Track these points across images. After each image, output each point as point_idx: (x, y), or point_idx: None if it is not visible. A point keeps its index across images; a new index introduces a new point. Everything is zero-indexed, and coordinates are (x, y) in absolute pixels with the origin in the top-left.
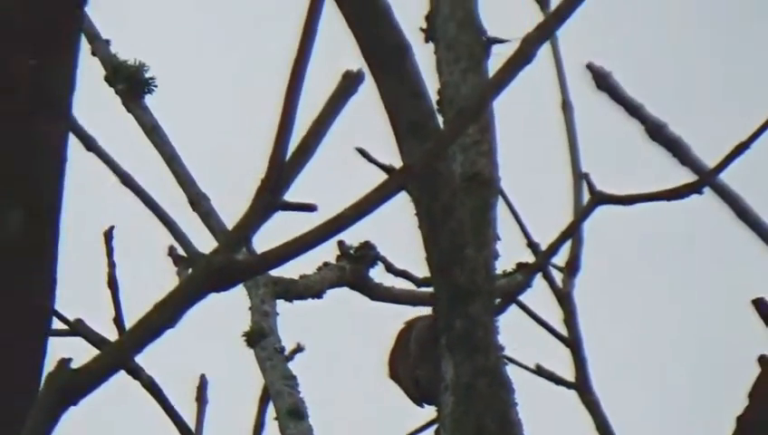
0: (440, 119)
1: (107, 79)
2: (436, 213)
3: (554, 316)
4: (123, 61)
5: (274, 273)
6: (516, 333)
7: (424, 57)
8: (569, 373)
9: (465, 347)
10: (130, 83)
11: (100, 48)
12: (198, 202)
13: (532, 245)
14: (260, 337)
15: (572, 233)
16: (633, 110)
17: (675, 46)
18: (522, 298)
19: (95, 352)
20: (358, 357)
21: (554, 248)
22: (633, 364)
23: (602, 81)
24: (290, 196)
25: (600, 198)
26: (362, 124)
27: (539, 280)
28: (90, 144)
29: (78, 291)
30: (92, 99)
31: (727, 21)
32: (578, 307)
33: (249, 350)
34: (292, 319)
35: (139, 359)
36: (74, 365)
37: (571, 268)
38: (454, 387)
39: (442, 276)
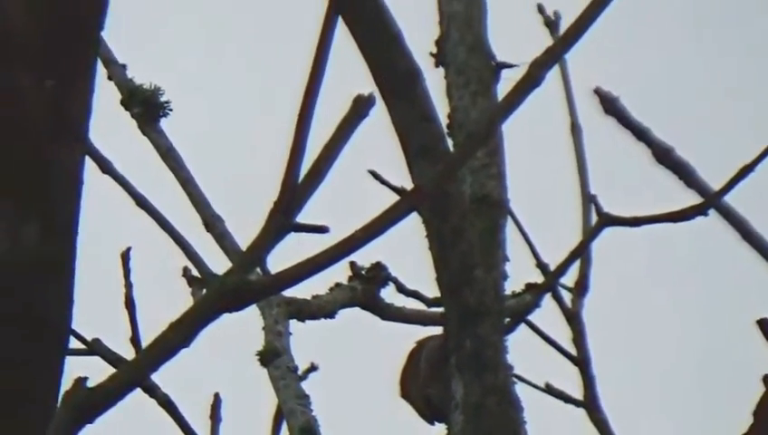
0: (450, 142)
1: (123, 103)
2: (446, 234)
3: (563, 336)
4: (139, 85)
5: (287, 293)
6: (525, 353)
7: (434, 81)
8: (578, 392)
9: (475, 366)
10: (146, 107)
11: (116, 72)
12: (213, 224)
13: (541, 265)
14: (273, 356)
15: (581, 253)
16: (640, 134)
17: (681, 71)
18: (531, 318)
19: (112, 371)
20: (370, 376)
21: (563, 269)
22: (641, 383)
23: (610, 105)
24: (302, 217)
25: (608, 220)
26: (374, 147)
27: (548, 300)
28: (106, 167)
29: (95, 311)
30: (108, 122)
31: (734, 46)
32: (586, 327)
33: (263, 369)
34: (304, 339)
35: (155, 377)
36: (91, 384)
37: (580, 288)
38: (464, 406)
39: (452, 297)
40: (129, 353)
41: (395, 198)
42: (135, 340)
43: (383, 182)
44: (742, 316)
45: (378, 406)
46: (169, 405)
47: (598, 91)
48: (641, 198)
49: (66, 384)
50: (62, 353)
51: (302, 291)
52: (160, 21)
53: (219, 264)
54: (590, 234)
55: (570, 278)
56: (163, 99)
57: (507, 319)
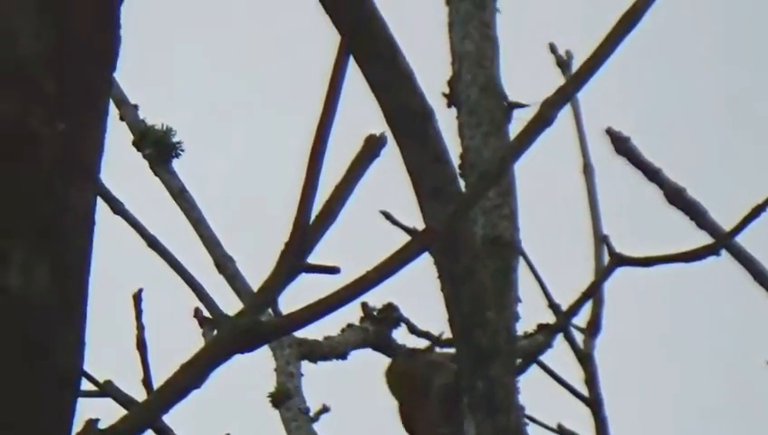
0: (462, 182)
1: (135, 143)
2: (458, 275)
3: (575, 376)
4: (151, 125)
5: (299, 334)
6: (538, 393)
7: (446, 121)
8: (590, 433)
9: (487, 407)
10: (158, 148)
11: (129, 113)
12: (224, 264)
13: (553, 305)
14: (285, 398)
15: (593, 294)
16: (652, 174)
17: (693, 112)
18: (543, 358)
19: (124, 412)
20: (382, 417)
21: (575, 309)
22: (654, 424)
23: (621, 145)
24: (314, 257)
25: (620, 260)
26: (386, 187)
27: (560, 340)
28: (117, 207)
29: (107, 352)
30: (120, 163)
31: (744, 87)
32: (599, 367)
33: (274, 410)
34: (316, 380)
35: (167, 419)
36: (103, 426)
37: (592, 329)
38: None
39: (464, 338)
40: (140, 395)
41: (407, 238)
42: (147, 381)
43: (395, 222)
44: (754, 356)
45: None
46: None
47: (609, 132)
48: (653, 238)
49: (78, 426)
50: (74, 395)
51: (314, 331)
52: (173, 62)
53: (231, 304)
54: (603, 274)
55: (582, 319)
56: (175, 139)
57: (519, 360)
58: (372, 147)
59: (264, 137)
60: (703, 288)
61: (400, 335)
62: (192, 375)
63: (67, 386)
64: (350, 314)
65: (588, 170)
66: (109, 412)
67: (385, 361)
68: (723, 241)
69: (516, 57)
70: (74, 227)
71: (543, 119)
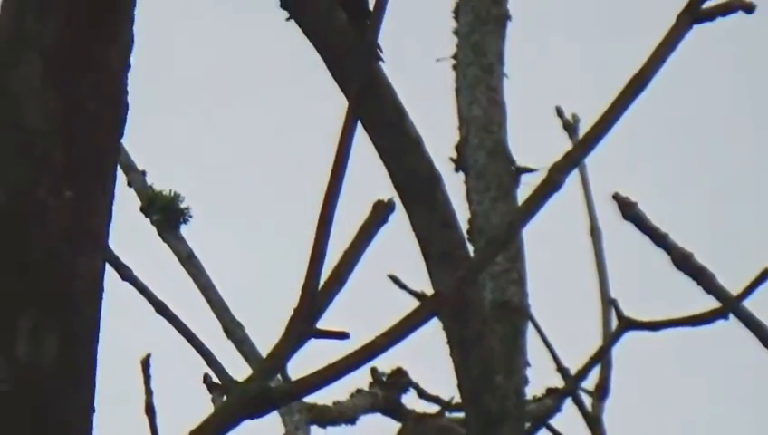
0: (470, 247)
1: (143, 209)
2: (467, 340)
3: None
4: (158, 191)
5: (308, 399)
6: None
7: (454, 186)
8: None
9: None
10: (166, 213)
11: (136, 179)
12: (233, 330)
13: (561, 369)
14: None
15: (601, 358)
16: (659, 239)
17: (700, 177)
18: (552, 422)
19: None
20: None
21: (584, 373)
22: None
23: (628, 210)
24: (323, 322)
25: (629, 324)
26: (394, 252)
27: (569, 404)
28: (125, 274)
29: (116, 418)
30: (128, 229)
31: (752, 152)
32: (607, 431)
33: None
34: None
35: None
36: None
37: (601, 392)
38: None
39: (473, 403)
40: None
41: (415, 303)
42: None
43: (403, 287)
44: (764, 420)
45: None
46: None
47: (616, 197)
48: (661, 301)
49: None
50: None
51: (323, 396)
52: (181, 127)
53: (240, 370)
54: (611, 338)
55: (591, 382)
56: (183, 205)
57: (528, 424)
58: (380, 213)
59: (272, 202)
60: (710, 352)
61: (410, 400)
62: None
63: None
64: (360, 378)
65: (595, 234)
66: None
67: (394, 426)
68: (731, 305)
69: (524, 121)
70: (83, 294)
71: (551, 184)
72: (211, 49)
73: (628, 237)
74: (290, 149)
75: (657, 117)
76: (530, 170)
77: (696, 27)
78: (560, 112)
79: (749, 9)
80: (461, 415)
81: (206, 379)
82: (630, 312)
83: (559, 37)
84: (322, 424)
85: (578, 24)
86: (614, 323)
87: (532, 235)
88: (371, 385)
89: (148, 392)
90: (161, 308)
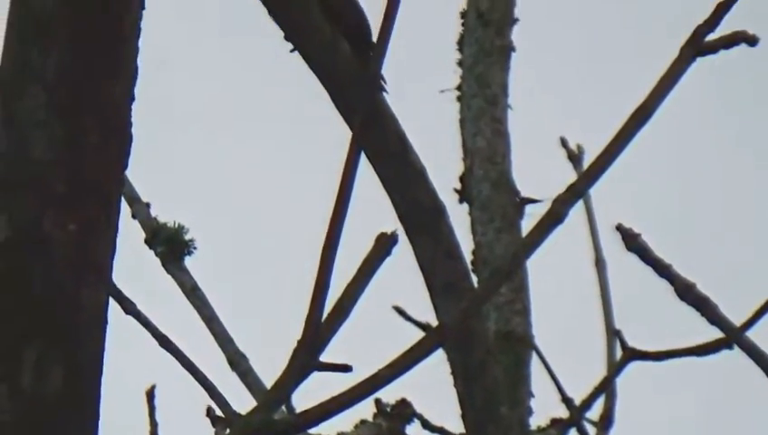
0: (474, 278)
1: (147, 241)
2: (471, 371)
3: None
4: (163, 223)
5: (312, 431)
6: None
7: (458, 217)
8: None
9: None
10: (170, 245)
11: (140, 211)
12: (237, 361)
13: (566, 400)
14: None
15: (606, 388)
16: (662, 270)
17: (703, 208)
18: None
19: None
20: None
21: (588, 403)
22: None
23: (632, 241)
24: (327, 354)
25: (633, 354)
26: (398, 283)
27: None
28: (129, 308)
29: None
30: (133, 260)
31: (753, 182)
32: None
33: None
34: None
35: None
36: None
37: (605, 423)
38: None
39: (478, 433)
40: None
41: (420, 334)
42: None
43: (408, 318)
44: None
45: None
46: None
47: (620, 228)
48: (665, 332)
49: None
50: None
51: (327, 428)
52: (186, 159)
53: (244, 402)
54: (615, 368)
55: (595, 413)
56: (187, 237)
57: None
58: (384, 245)
59: (275, 234)
60: (714, 383)
61: (414, 431)
62: None
63: None
64: (364, 409)
65: (600, 265)
66: None
67: None
68: (734, 335)
69: (528, 152)
70: (87, 325)
71: (555, 215)
72: (216, 81)
73: (632, 268)
74: (294, 180)
75: (660, 148)
76: (534, 201)
77: (699, 60)
78: (564, 143)
79: (752, 42)
80: None
81: (210, 412)
82: (634, 342)
83: (563, 68)
84: None
85: (582, 55)
86: (618, 353)
87: (537, 265)
88: (375, 416)
89: (153, 424)
90: (165, 342)
